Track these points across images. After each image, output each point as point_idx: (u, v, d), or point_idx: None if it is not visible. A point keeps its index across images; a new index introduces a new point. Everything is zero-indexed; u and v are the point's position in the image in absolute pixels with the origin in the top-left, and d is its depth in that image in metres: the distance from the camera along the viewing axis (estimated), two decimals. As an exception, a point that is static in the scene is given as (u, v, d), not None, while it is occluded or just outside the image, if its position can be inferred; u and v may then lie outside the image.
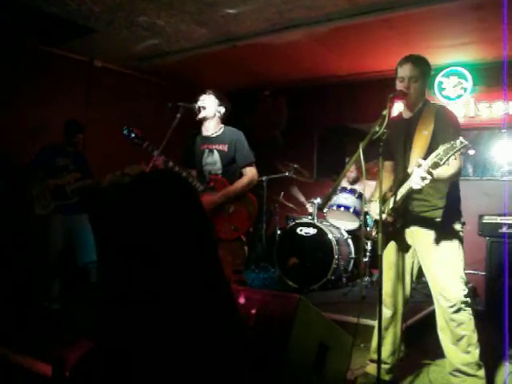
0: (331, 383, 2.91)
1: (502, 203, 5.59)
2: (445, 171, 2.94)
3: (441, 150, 2.70)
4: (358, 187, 6.22)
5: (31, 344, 3.91)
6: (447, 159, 2.66)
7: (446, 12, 4.96)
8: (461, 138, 2.63)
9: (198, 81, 7.48)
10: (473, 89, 6.58)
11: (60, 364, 1.63)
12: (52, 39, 6.00)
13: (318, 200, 6.30)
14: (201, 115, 4.01)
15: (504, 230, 5.10)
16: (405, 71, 3.19)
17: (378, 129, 2.84)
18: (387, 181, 3.44)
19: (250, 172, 4.07)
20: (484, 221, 5.21)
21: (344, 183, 6.45)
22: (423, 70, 3.22)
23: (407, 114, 3.34)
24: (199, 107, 3.99)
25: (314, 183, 7.21)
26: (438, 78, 6.74)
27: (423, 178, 2.75)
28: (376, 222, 3.40)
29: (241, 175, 4.10)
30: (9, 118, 5.79)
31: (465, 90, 6.60)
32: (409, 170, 3.10)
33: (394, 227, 3.26)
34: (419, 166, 2.78)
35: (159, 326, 1.24)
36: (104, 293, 1.30)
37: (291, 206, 6.92)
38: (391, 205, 3.19)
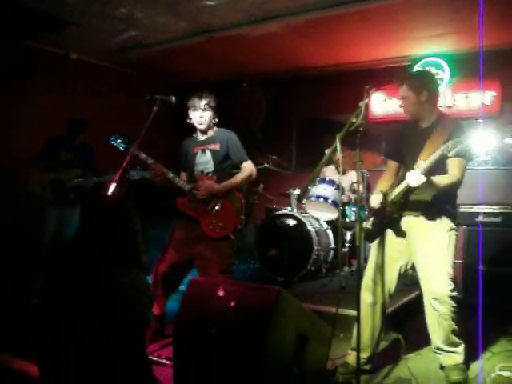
0: (312, 374, 2.93)
1: (477, 192, 5.65)
2: (441, 180, 3.05)
3: (451, 142, 2.91)
4: (345, 177, 6.19)
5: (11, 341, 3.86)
6: (455, 152, 2.89)
7: (421, 3, 4.98)
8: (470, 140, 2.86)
9: (175, 73, 7.44)
10: (450, 79, 6.63)
11: None
12: (26, 32, 5.90)
13: (297, 191, 6.31)
14: (200, 128, 4.03)
15: (480, 218, 5.19)
16: (400, 91, 3.33)
17: (355, 120, 2.88)
18: (387, 179, 3.57)
19: (249, 166, 4.08)
20: (461, 210, 5.27)
21: (332, 173, 6.37)
22: (421, 83, 3.29)
23: (423, 124, 3.39)
24: (199, 118, 4.00)
25: (293, 175, 7.21)
26: (415, 69, 6.76)
27: (418, 178, 2.94)
28: (370, 212, 3.55)
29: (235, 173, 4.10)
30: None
31: (441, 80, 6.63)
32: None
33: (391, 218, 3.35)
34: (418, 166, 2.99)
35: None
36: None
37: (270, 197, 6.92)
38: (391, 198, 3.30)
